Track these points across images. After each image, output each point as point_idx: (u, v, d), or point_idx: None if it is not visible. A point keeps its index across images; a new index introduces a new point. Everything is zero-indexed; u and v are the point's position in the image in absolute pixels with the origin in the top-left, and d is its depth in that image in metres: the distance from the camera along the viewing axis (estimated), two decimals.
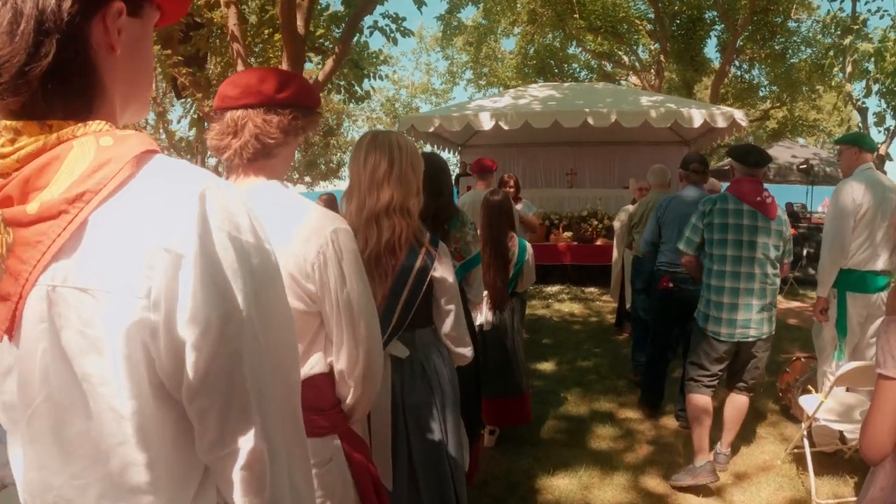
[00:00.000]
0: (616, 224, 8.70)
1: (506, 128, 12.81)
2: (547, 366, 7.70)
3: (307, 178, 29.08)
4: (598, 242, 12.84)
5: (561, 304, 11.34)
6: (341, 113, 27.49)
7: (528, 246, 5.19)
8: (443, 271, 2.66)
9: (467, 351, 2.87)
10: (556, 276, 13.06)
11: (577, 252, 12.86)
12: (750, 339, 4.49)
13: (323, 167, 28.63)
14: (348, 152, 30.64)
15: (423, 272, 2.60)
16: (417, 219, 2.62)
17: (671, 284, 5.53)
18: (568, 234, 13.16)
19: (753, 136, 30.36)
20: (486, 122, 12.92)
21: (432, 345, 2.75)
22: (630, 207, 8.66)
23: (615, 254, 8.94)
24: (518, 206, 8.47)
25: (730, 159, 4.75)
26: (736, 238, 4.44)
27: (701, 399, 4.63)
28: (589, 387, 6.92)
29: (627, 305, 8.46)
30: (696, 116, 12.37)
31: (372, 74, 14.10)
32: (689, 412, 4.77)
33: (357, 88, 13.98)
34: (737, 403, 4.76)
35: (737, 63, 25.92)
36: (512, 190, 8.44)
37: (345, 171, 28.77)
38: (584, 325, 9.81)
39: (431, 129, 13.49)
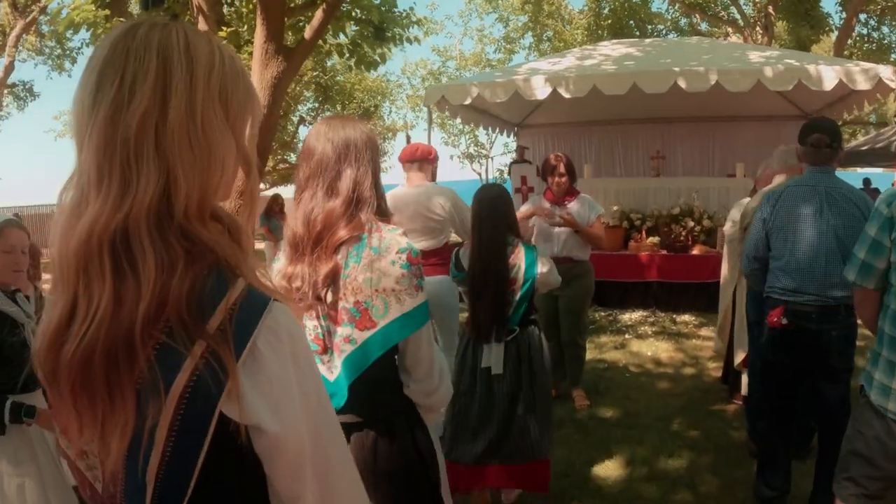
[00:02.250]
0: (727, 227, 6.16)
1: (567, 96, 10.60)
2: (606, 470, 5.15)
3: None
4: (695, 251, 10.54)
5: (641, 341, 8.78)
6: (378, 92, 25.44)
7: (544, 253, 4.37)
8: (263, 407, 1.18)
9: None
10: (636, 299, 10.63)
11: (666, 265, 10.54)
12: None
13: None
14: (389, 139, 28.62)
15: (201, 404, 1.13)
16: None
17: (785, 321, 4.12)
18: (653, 239, 10.86)
19: (878, 113, 27.07)
20: (541, 89, 10.72)
21: None
22: (748, 202, 6.13)
23: (724, 270, 6.38)
24: (572, 205, 6.14)
25: None
26: None
27: None
28: None
29: (737, 360, 6.10)
30: (828, 75, 9.86)
31: (399, 38, 12.08)
32: None
33: (368, 51, 11.87)
34: None
35: (862, 18, 23.23)
36: (562, 179, 6.12)
37: (388, 160, 26.80)
38: (675, 381, 7.25)
39: (468, 102, 11.32)
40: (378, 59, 11.94)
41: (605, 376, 7.42)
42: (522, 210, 6.13)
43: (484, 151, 28.29)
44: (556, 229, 6.13)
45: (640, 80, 10.13)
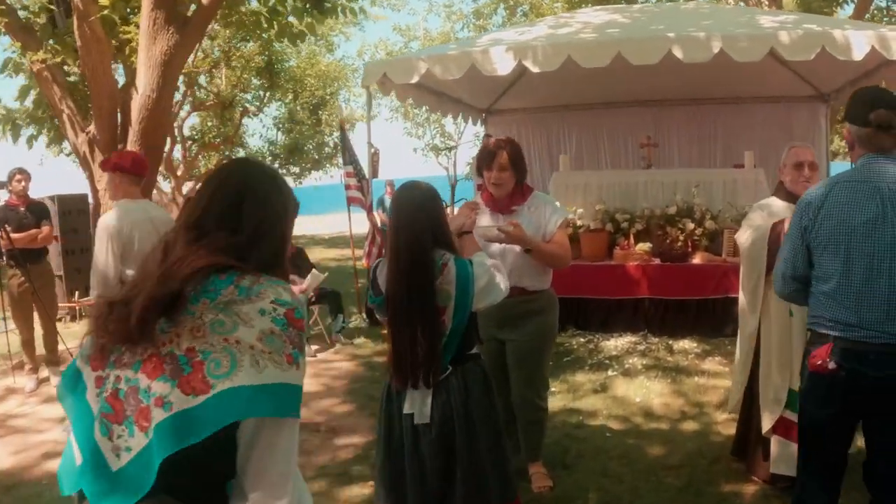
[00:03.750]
0: (743, 235, 4.58)
1: (535, 69, 9.19)
2: None
3: (294, 169, 25.53)
4: (696, 259, 9.13)
5: (629, 381, 7.18)
6: (333, 78, 23.76)
7: (481, 262, 3.49)
8: None
9: None
10: (623, 320, 9.07)
11: (661, 277, 9.08)
12: None
13: (313, 153, 24.91)
14: (348, 131, 26.90)
15: None
16: None
17: (833, 364, 3.36)
18: (644, 245, 9.38)
19: None
20: (503, 63, 9.28)
21: None
22: (773, 203, 4.59)
23: (743, 297, 4.78)
24: (522, 211, 4.62)
25: None
26: None
27: None
28: None
29: (765, 426, 4.61)
30: (857, 42, 8.42)
31: (342, 10, 10.69)
32: None
33: (292, 20, 10.41)
34: None
35: None
36: (504, 175, 4.60)
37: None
38: (672, 443, 5.64)
39: (415, 80, 9.87)
40: (305, 31, 10.49)
41: (577, 436, 5.81)
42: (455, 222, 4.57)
43: (451, 142, 26.30)
44: (496, 247, 4.51)
45: (625, 50, 8.74)
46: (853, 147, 3.53)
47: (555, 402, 6.41)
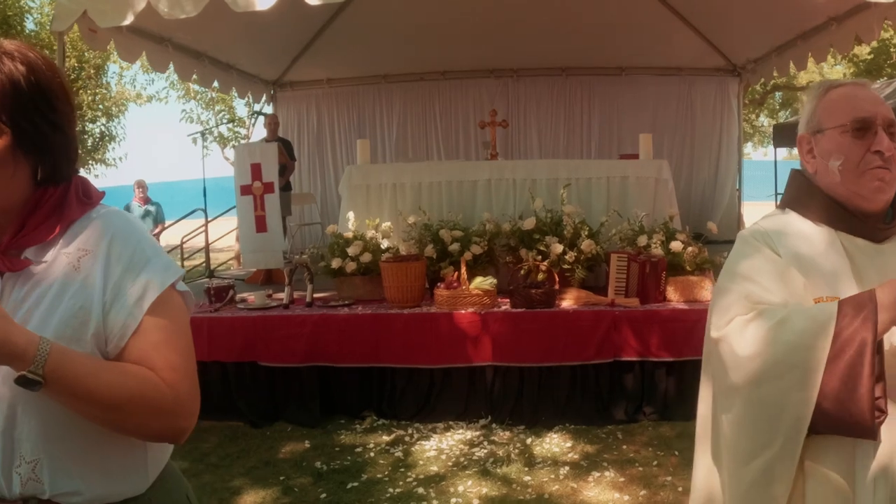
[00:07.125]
0: (731, 333, 1.91)
1: (314, 1, 7.03)
2: None
3: None
4: (567, 302, 7.16)
5: None
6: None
7: None
8: None
9: None
10: (452, 404, 6.67)
11: (513, 332, 6.89)
12: None
13: None
14: (117, 116, 23.44)
15: None
16: None
17: None
18: (485, 281, 7.12)
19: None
20: None
21: None
22: (798, 229, 2.00)
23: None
24: (53, 255, 1.62)
25: None
26: None
27: None
28: None
29: None
30: None
31: None
32: None
33: None
34: None
35: None
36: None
37: (119, 148, 22.46)
38: None
39: (128, 22, 7.42)
40: None
41: None
42: None
43: (243, 131, 22.78)
44: None
45: None
46: None
47: None
